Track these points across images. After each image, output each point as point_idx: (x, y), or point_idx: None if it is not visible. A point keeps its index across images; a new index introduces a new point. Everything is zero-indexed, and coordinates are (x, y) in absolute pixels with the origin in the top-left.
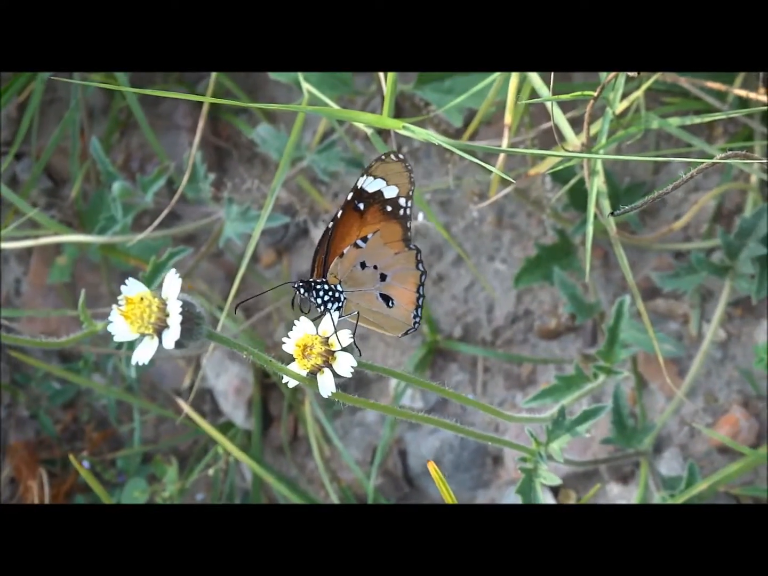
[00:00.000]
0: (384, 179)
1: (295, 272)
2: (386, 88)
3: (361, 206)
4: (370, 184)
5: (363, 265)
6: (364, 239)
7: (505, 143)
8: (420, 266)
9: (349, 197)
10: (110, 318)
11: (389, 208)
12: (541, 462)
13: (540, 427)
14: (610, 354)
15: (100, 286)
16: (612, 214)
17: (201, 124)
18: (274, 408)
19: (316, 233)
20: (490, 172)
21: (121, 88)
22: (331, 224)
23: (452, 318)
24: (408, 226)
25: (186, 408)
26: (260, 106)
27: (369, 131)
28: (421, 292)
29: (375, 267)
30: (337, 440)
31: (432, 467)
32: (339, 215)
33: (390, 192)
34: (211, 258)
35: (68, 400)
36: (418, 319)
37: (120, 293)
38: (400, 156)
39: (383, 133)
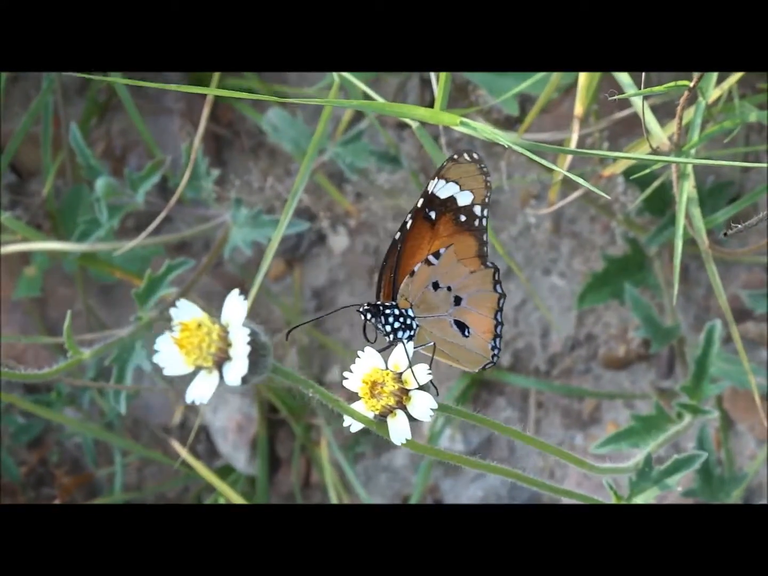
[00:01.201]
0: (457, 183)
1: (308, 286)
2: (438, 81)
3: (433, 215)
4: (442, 189)
5: (436, 286)
6: (437, 254)
7: (574, 140)
8: (498, 287)
9: (420, 204)
10: (157, 347)
11: (463, 218)
12: None
13: (619, 478)
14: (697, 390)
15: (75, 301)
16: (725, 234)
17: (206, 111)
18: (282, 449)
19: (335, 240)
20: (551, 170)
21: (111, 80)
22: (398, 235)
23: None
24: (484, 239)
25: (180, 450)
26: (286, 100)
27: (414, 124)
28: (500, 319)
29: (449, 288)
30: (360, 487)
31: None
32: (408, 225)
33: (464, 199)
34: (209, 269)
35: (35, 438)
36: (497, 351)
37: (98, 309)
38: (475, 155)
39: (424, 124)
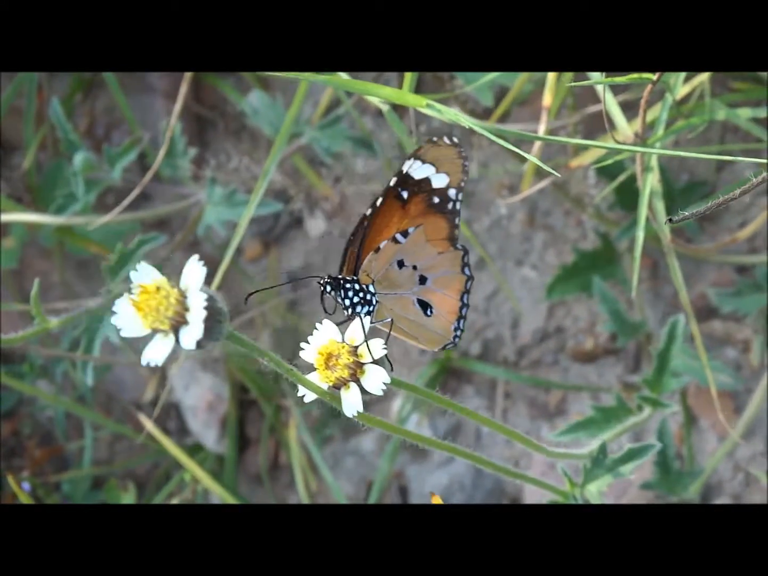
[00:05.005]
0: (434, 165)
1: (284, 268)
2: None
3: (405, 195)
4: (418, 170)
5: (401, 264)
6: (405, 233)
7: (542, 129)
8: (466, 270)
9: (392, 183)
10: (116, 308)
11: (436, 200)
12: None
13: (573, 466)
14: (658, 383)
15: (51, 274)
16: (669, 221)
17: (183, 89)
18: (252, 429)
19: (312, 223)
20: (523, 161)
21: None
22: (369, 211)
23: (470, 332)
24: (456, 222)
25: (148, 425)
26: (255, 72)
27: (384, 107)
28: (466, 301)
29: (414, 267)
30: (326, 470)
31: (437, 501)
32: (378, 203)
33: (439, 181)
34: (185, 247)
35: (8, 410)
36: (459, 333)
37: (75, 283)
38: (455, 140)
39: (399, 109)
